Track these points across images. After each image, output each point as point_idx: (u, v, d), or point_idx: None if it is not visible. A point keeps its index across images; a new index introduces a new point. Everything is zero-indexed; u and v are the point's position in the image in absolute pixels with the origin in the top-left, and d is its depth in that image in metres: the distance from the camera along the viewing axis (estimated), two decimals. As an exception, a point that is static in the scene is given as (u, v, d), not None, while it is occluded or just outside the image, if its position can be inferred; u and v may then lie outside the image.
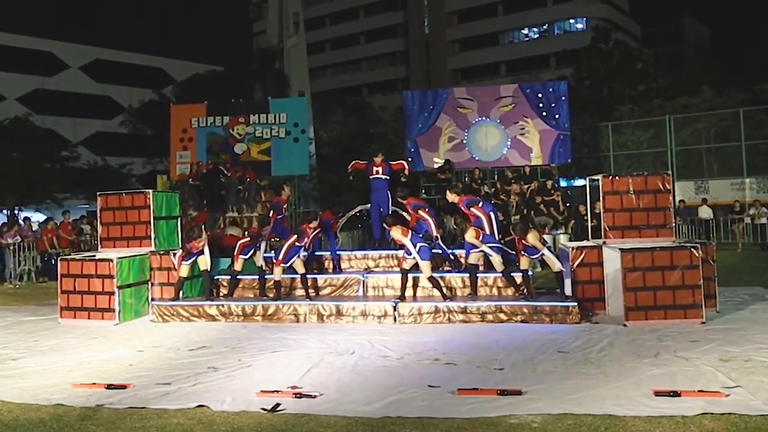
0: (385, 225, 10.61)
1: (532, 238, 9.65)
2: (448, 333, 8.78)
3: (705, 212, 21.52)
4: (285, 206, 12.21)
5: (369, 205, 12.62)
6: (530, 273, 10.09)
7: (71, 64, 48.94)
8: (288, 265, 10.44)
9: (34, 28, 74.31)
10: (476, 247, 10.05)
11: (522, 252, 9.84)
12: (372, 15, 69.23)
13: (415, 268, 10.09)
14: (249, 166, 18.57)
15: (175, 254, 11.03)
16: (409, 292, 10.29)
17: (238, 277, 11.10)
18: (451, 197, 11.09)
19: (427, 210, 11.12)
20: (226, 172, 17.51)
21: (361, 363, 7.17)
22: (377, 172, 12.06)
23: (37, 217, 29.78)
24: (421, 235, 10.37)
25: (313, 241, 11.37)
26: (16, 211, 31.66)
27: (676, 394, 5.56)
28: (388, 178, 12.06)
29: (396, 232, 10.02)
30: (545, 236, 12.02)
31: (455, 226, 12.70)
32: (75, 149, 35.09)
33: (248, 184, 17.62)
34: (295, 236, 10.43)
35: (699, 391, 5.65)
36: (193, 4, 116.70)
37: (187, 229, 12.11)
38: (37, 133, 32.22)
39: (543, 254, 9.72)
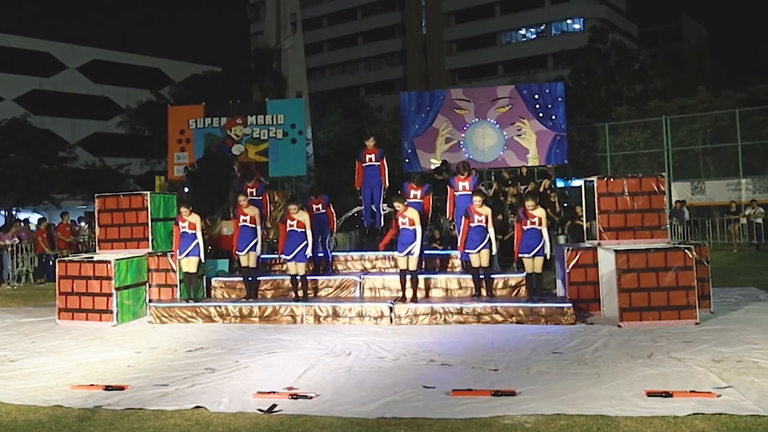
0: (396, 206, 10.01)
1: (540, 213, 9.70)
2: (443, 334, 8.84)
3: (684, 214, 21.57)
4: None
5: (363, 207, 12.45)
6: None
7: (69, 65, 48.95)
8: (291, 256, 10.27)
9: (32, 29, 74.38)
10: (475, 250, 10.01)
11: (520, 253, 9.84)
12: (370, 15, 69.22)
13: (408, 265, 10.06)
14: (253, 166, 18.65)
15: (172, 255, 11.04)
16: (408, 293, 10.26)
17: (258, 278, 11.08)
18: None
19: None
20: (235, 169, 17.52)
21: (358, 364, 7.22)
22: (370, 160, 11.74)
23: (35, 218, 29.82)
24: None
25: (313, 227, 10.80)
26: (13, 212, 31.68)
27: (668, 394, 5.62)
28: (380, 163, 11.77)
29: (412, 213, 9.93)
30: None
31: (452, 227, 12.67)
32: (73, 150, 35.18)
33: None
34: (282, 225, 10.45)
35: (691, 391, 5.70)
36: (191, 5, 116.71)
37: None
38: (34, 134, 32.22)
39: (536, 249, 9.68)
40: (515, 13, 60.53)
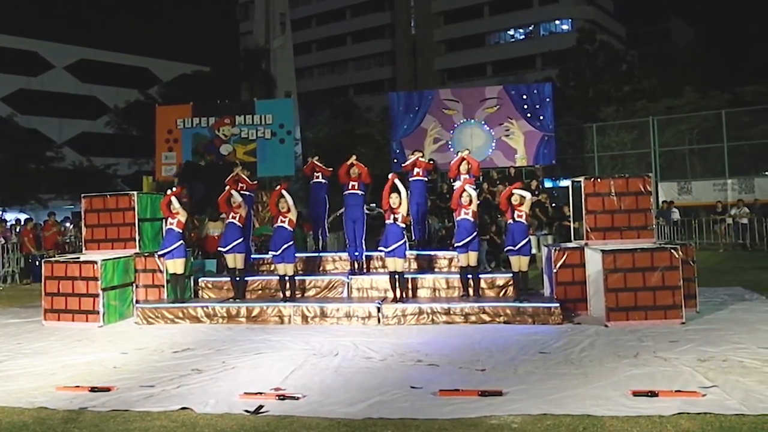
0: (392, 202, 9.95)
1: (526, 207, 9.70)
2: (431, 334, 8.84)
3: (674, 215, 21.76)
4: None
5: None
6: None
7: (56, 64, 48.67)
8: (280, 256, 10.19)
9: (19, 28, 73.69)
10: (462, 244, 10.03)
11: (509, 248, 9.83)
12: (359, 16, 69.24)
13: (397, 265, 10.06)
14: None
15: (159, 255, 10.95)
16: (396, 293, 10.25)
17: (246, 279, 11.02)
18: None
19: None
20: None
21: (345, 364, 7.21)
22: (353, 187, 11.20)
23: (21, 218, 29.62)
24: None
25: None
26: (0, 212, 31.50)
27: (653, 394, 5.64)
28: (363, 193, 11.32)
29: (403, 209, 10.00)
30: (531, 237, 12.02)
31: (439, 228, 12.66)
32: (60, 150, 35.09)
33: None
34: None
35: (676, 391, 5.74)
36: (179, 4, 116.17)
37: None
38: (21, 133, 32.04)
39: (521, 246, 9.66)
40: (504, 13, 60.72)
